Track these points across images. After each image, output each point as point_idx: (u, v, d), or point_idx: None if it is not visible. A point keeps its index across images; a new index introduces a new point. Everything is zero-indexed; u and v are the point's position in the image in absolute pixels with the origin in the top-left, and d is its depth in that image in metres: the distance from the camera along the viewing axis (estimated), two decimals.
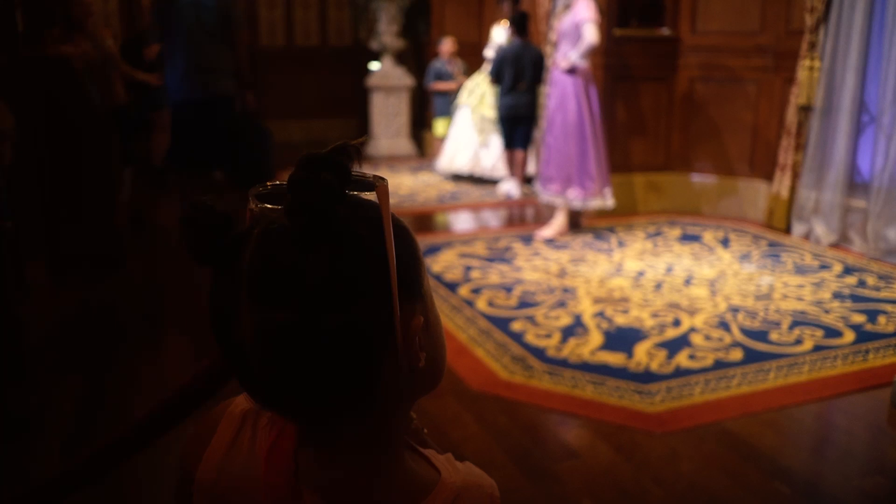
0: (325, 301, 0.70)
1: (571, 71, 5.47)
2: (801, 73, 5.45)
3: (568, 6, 5.57)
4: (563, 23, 5.55)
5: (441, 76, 8.26)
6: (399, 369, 0.75)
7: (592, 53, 5.52)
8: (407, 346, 0.75)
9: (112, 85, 5.57)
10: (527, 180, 7.34)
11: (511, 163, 7.20)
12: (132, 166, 6.26)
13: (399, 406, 0.80)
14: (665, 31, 6.25)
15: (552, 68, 5.72)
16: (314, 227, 0.70)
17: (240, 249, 0.73)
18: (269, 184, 0.77)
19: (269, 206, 0.76)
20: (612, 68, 6.16)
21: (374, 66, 9.37)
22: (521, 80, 6.84)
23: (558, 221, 5.67)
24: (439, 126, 8.21)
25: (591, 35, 5.32)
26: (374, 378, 0.74)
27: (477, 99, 7.78)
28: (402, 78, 9.05)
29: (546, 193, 5.68)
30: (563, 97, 5.53)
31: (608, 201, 5.65)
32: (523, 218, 6.52)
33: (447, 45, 8.30)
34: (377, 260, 0.72)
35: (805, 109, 5.50)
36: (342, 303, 0.70)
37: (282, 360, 0.71)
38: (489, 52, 7.64)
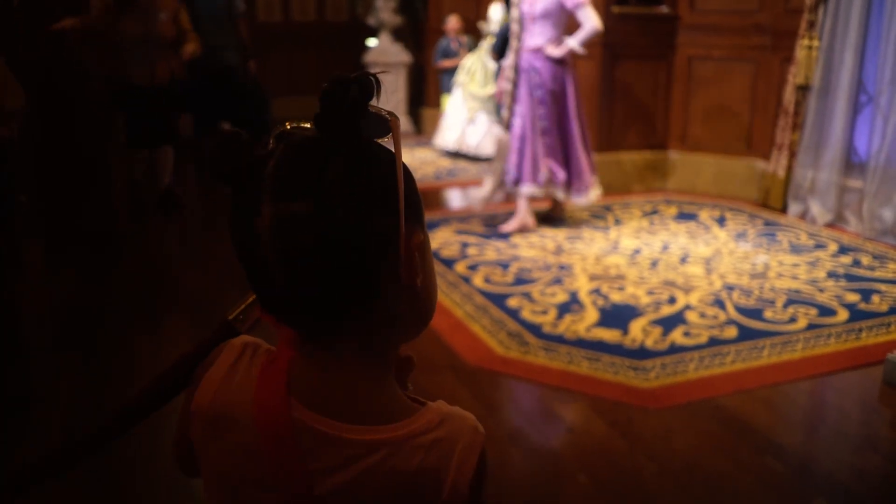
0: (339, 197, 0.77)
1: (561, 59, 5.02)
2: (800, 53, 5.44)
3: None
4: (543, 1, 4.99)
5: (448, 54, 8.27)
6: (399, 280, 0.82)
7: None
8: (408, 258, 0.82)
9: (153, 63, 5.20)
10: None
11: None
12: (172, 145, 5.80)
13: (393, 330, 0.87)
14: (664, 10, 6.22)
15: (524, 52, 5.06)
16: (338, 133, 0.79)
17: (263, 163, 0.80)
18: (289, 125, 0.85)
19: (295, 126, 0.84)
20: (611, 46, 6.14)
21: (372, 42, 9.33)
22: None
23: (522, 213, 5.19)
24: (447, 102, 8.20)
25: (593, 20, 4.93)
26: (376, 279, 0.81)
27: (468, 77, 7.79)
28: (399, 54, 9.01)
29: (532, 186, 5.08)
30: (554, 87, 5.03)
31: (596, 192, 5.28)
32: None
33: (452, 23, 8.29)
34: (389, 173, 0.81)
35: (803, 89, 5.50)
36: (355, 202, 0.78)
37: (294, 251, 0.78)
38: (487, 28, 7.64)
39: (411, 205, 0.83)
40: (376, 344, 0.86)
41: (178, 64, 5.41)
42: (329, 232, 0.77)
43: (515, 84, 5.14)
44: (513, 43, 5.12)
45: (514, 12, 5.12)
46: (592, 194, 5.26)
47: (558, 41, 5.00)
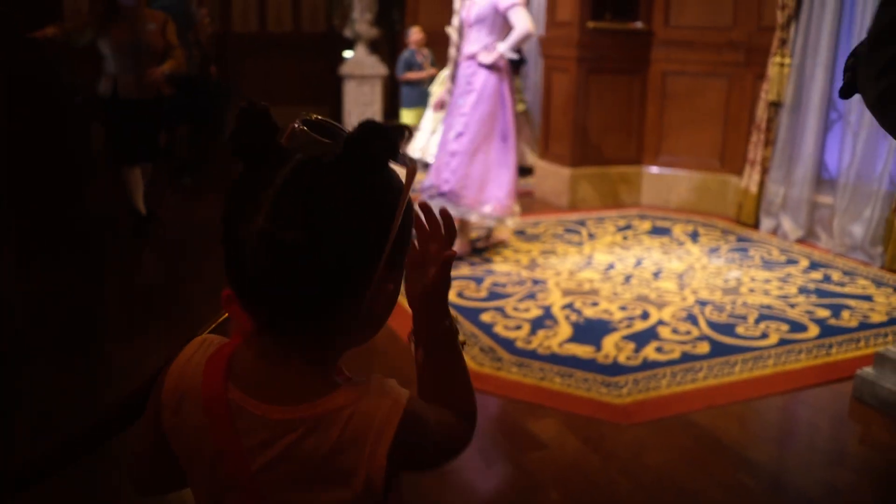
0: (333, 238, 0.83)
1: (493, 65, 4.70)
2: (772, 70, 5.49)
3: None
4: (478, 5, 4.69)
5: (411, 66, 8.24)
6: (358, 313, 0.89)
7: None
8: (374, 298, 0.89)
9: (139, 75, 5.06)
10: None
11: None
12: (155, 162, 5.63)
13: (341, 339, 0.94)
14: (639, 25, 6.27)
15: (461, 60, 4.78)
16: (351, 180, 0.84)
17: (279, 159, 0.86)
18: (315, 116, 0.92)
19: (314, 134, 0.90)
20: (586, 61, 6.17)
21: (348, 54, 9.32)
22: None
23: (464, 237, 4.92)
24: (406, 117, 8.18)
25: (524, 22, 4.59)
26: (340, 307, 0.87)
27: (439, 86, 7.82)
28: (375, 67, 9.00)
29: (458, 207, 4.66)
30: (484, 97, 4.71)
31: (516, 218, 4.93)
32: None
33: (415, 35, 8.29)
34: (382, 224, 0.86)
35: (775, 105, 5.56)
36: (346, 244, 0.84)
37: (273, 267, 0.83)
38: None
39: (397, 250, 0.89)
40: (321, 347, 0.92)
41: (164, 76, 5.29)
42: (311, 263, 0.83)
43: (452, 94, 4.89)
44: (451, 52, 4.91)
45: (455, 19, 4.88)
46: (515, 218, 4.91)
47: (493, 48, 4.71)
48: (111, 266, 4.80)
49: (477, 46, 4.71)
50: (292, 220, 0.82)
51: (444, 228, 1.02)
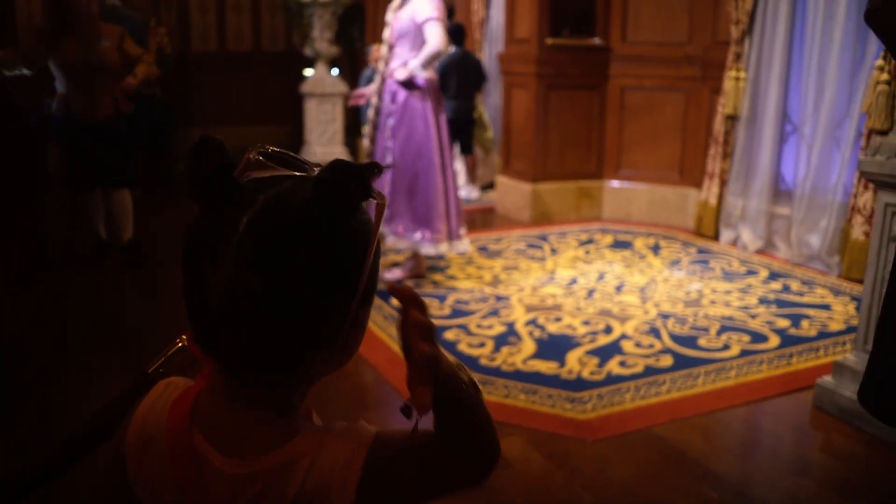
0: (303, 286, 0.79)
1: (410, 84, 4.51)
2: (728, 84, 5.58)
3: (405, 0, 4.57)
4: (401, 19, 4.55)
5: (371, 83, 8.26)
6: (332, 353, 0.86)
7: (432, 61, 4.56)
8: (346, 345, 0.87)
9: (94, 97, 4.79)
10: None
11: (465, 168, 7.50)
12: (130, 190, 5.22)
13: (306, 382, 0.90)
14: (596, 41, 6.34)
15: (387, 76, 4.61)
16: (323, 225, 0.79)
17: (239, 200, 0.80)
18: (270, 147, 0.87)
19: (274, 167, 0.86)
20: (545, 77, 6.22)
21: (309, 72, 9.30)
22: (466, 85, 7.06)
23: (410, 263, 4.80)
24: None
25: (435, 38, 4.41)
26: (310, 356, 0.84)
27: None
28: (336, 85, 8.99)
29: (390, 237, 4.56)
30: (405, 118, 4.53)
31: (464, 246, 4.68)
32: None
33: (376, 53, 8.30)
34: (357, 267, 0.82)
35: (731, 119, 5.64)
36: (316, 292, 0.80)
37: (239, 317, 0.79)
38: None
39: (368, 288, 0.86)
40: (289, 391, 0.89)
41: (123, 96, 5.00)
42: (282, 315, 0.79)
43: (378, 112, 4.64)
44: (379, 66, 4.67)
45: (385, 32, 4.67)
46: (459, 246, 4.66)
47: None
48: (69, 289, 4.71)
49: (398, 62, 4.55)
50: (260, 270, 0.78)
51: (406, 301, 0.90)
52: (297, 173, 0.87)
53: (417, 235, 4.53)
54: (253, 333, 0.80)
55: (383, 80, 4.59)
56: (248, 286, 0.77)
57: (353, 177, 0.78)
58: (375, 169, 0.79)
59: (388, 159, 4.49)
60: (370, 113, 4.62)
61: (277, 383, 0.87)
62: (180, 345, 1.11)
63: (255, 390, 0.87)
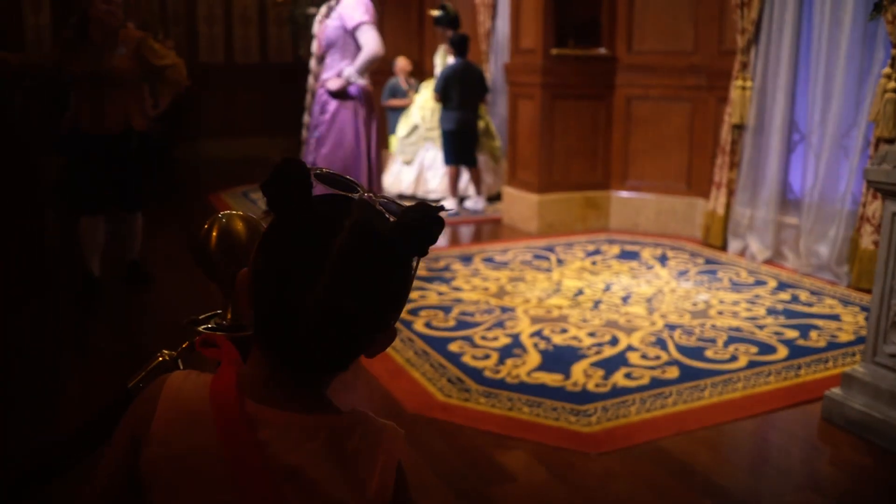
0: (386, 305, 0.93)
1: (343, 94, 4.40)
2: (734, 93, 5.54)
3: (332, 8, 4.46)
4: (328, 28, 4.44)
5: (396, 93, 8.31)
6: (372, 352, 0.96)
7: (371, 67, 4.46)
8: (386, 341, 0.96)
9: (104, 110, 4.44)
10: (460, 200, 7.45)
11: (472, 180, 7.45)
12: (139, 210, 4.86)
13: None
14: (602, 51, 6.31)
15: (318, 88, 4.49)
16: (406, 258, 0.92)
17: (323, 220, 0.90)
18: (324, 169, 0.97)
19: (370, 196, 0.94)
20: (550, 87, 6.20)
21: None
22: (468, 96, 7.06)
23: None
24: (395, 143, 8.21)
25: (371, 42, 4.31)
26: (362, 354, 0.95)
27: (418, 110, 7.93)
28: None
29: None
30: (334, 129, 4.40)
31: None
32: (459, 238, 6.50)
33: (401, 63, 8.38)
34: (409, 288, 0.95)
35: (738, 128, 5.60)
36: (392, 308, 0.94)
37: (331, 332, 0.88)
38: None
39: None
40: (331, 378, 0.99)
41: (139, 108, 4.64)
42: (361, 330, 0.91)
43: (308, 127, 4.55)
44: (309, 81, 4.53)
45: (313, 45, 4.56)
46: None
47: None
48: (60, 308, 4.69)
49: (330, 73, 4.40)
50: (351, 292, 0.88)
51: None
52: (353, 195, 0.96)
53: None
54: (336, 344, 0.90)
55: (313, 95, 4.49)
56: (342, 307, 0.87)
57: (435, 221, 0.90)
58: (441, 223, 0.91)
59: None
60: (304, 132, 4.57)
61: (333, 376, 0.98)
62: (160, 359, 1.11)
63: (309, 378, 0.96)
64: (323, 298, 0.86)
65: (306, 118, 4.48)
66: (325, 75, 4.44)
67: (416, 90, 8.25)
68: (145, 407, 0.96)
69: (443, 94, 7.11)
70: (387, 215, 0.93)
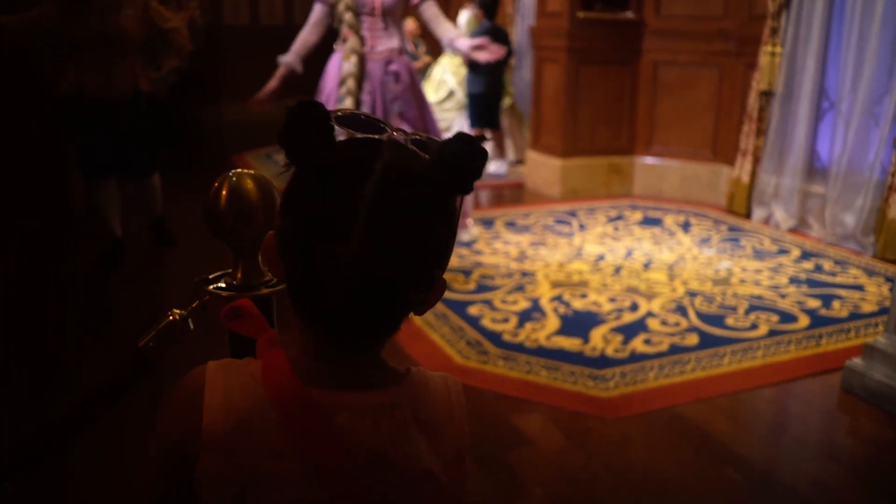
0: (427, 261, 0.82)
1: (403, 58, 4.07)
2: (763, 59, 5.45)
3: None
4: None
5: None
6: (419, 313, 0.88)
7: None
8: (433, 300, 0.87)
9: (111, 73, 4.27)
10: None
11: (494, 143, 7.47)
12: (151, 176, 4.80)
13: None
14: (629, 15, 6.22)
15: (383, 57, 4.00)
16: (445, 197, 0.82)
17: (351, 164, 0.80)
18: (343, 111, 0.86)
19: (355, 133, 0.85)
20: (576, 51, 6.13)
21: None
22: (497, 60, 6.99)
23: None
24: None
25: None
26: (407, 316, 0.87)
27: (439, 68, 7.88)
28: None
29: None
30: (416, 97, 4.12)
31: (473, 232, 4.62)
32: (480, 201, 6.48)
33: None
34: (454, 236, 0.86)
35: (766, 95, 5.52)
36: (434, 265, 0.83)
37: (370, 294, 0.79)
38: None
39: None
40: (384, 343, 0.91)
41: (146, 71, 4.50)
42: (403, 289, 0.81)
43: (359, 99, 3.96)
44: (351, 42, 3.92)
45: (340, 7, 4.00)
46: (465, 234, 4.70)
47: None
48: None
49: (389, 42, 4.00)
50: (390, 242, 0.78)
51: None
52: (381, 136, 0.86)
53: None
54: (377, 309, 0.81)
55: (363, 65, 3.91)
56: (381, 260, 0.77)
57: (480, 155, 0.81)
58: (484, 155, 0.82)
59: None
60: (347, 101, 3.92)
61: (383, 344, 0.90)
62: (171, 318, 1.09)
63: (365, 351, 0.89)
64: (358, 253, 0.76)
65: (351, 84, 3.89)
66: (382, 45, 3.96)
67: (426, 52, 8.20)
68: (187, 410, 0.87)
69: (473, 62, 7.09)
70: (421, 154, 0.83)
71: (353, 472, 0.84)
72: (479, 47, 3.97)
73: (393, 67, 3.96)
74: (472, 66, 7.05)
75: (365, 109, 3.50)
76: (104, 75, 4.27)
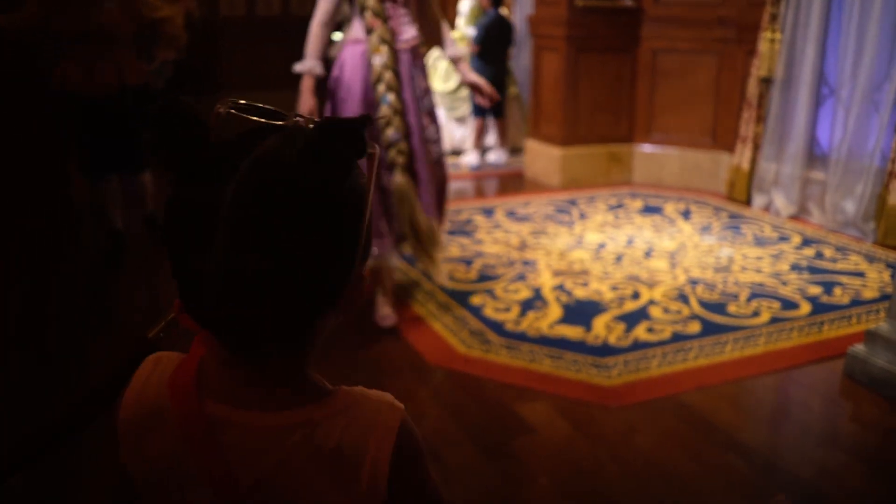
0: (304, 255, 0.73)
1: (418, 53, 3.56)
2: (763, 45, 5.44)
3: None
4: None
5: None
6: (338, 313, 0.83)
7: None
8: (351, 299, 0.81)
9: (92, 68, 4.09)
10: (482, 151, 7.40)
11: (496, 131, 7.41)
12: (143, 173, 4.71)
13: (319, 337, 0.86)
14: (628, 2, 6.20)
15: (407, 50, 3.46)
16: (318, 192, 0.72)
17: (222, 169, 0.74)
18: (241, 101, 0.81)
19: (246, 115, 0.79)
20: (575, 39, 6.11)
21: (337, 36, 9.24)
22: (502, 49, 7.04)
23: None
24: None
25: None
26: (320, 320, 0.81)
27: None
28: None
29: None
30: (430, 95, 3.60)
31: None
32: (481, 191, 6.48)
33: None
34: (356, 226, 0.77)
35: (766, 81, 5.50)
36: (318, 259, 0.74)
37: (239, 296, 0.73)
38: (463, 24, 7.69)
39: (368, 241, 0.82)
40: (299, 353, 0.85)
41: (134, 62, 4.27)
42: (282, 289, 0.74)
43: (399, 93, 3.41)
44: (378, 31, 3.37)
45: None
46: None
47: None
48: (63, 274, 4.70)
49: (411, 31, 3.51)
50: (256, 247, 0.71)
51: None
52: (278, 122, 0.80)
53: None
54: (255, 312, 0.74)
55: (393, 50, 3.38)
56: (246, 265, 0.71)
57: (346, 136, 0.72)
58: (367, 120, 0.73)
59: (433, 150, 3.57)
60: (391, 97, 3.35)
61: (287, 352, 0.83)
62: (173, 315, 1.07)
63: (266, 360, 0.83)
64: (221, 256, 0.71)
65: (389, 76, 3.37)
66: (407, 33, 3.46)
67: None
68: (120, 399, 0.89)
69: (482, 46, 7.07)
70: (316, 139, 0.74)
71: (239, 492, 0.81)
72: (476, 88, 3.65)
73: (419, 60, 3.54)
74: (479, 55, 7.02)
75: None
76: (86, 71, 4.10)
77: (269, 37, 10.70)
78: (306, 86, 3.51)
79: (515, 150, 7.58)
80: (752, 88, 5.57)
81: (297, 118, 0.81)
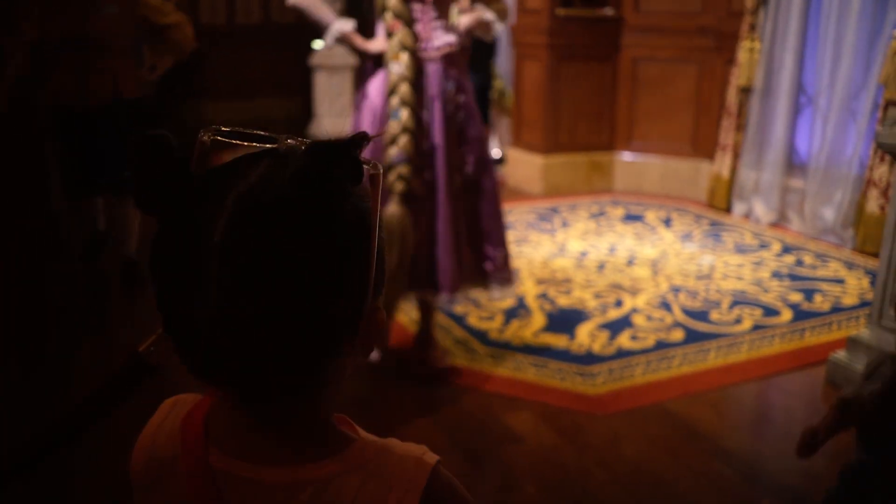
0: (303, 293, 0.67)
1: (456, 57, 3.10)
2: (742, 55, 5.49)
3: None
4: None
5: None
6: (353, 356, 0.76)
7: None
8: (367, 336, 0.74)
9: (87, 79, 3.86)
10: None
11: None
12: (107, 195, 4.27)
13: (336, 381, 0.78)
14: (608, 11, 6.25)
15: (435, 59, 3.00)
16: (311, 223, 0.66)
17: (207, 205, 0.68)
18: (223, 128, 0.74)
19: (237, 146, 0.73)
20: (556, 48, 6.15)
21: (318, 44, 9.23)
22: (487, 57, 7.05)
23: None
24: None
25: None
26: (331, 365, 0.74)
27: None
28: (345, 57, 8.92)
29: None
30: (474, 114, 3.12)
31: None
32: None
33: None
34: (362, 257, 0.70)
35: (745, 90, 5.56)
36: (319, 296, 0.68)
37: (239, 346, 0.68)
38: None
39: (378, 275, 0.74)
40: (314, 401, 0.78)
41: (130, 73, 4.02)
42: (283, 331, 0.68)
43: (419, 112, 2.93)
44: (400, 36, 2.91)
45: None
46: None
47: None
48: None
49: (445, 38, 3.03)
50: (249, 290, 0.65)
51: None
52: (266, 146, 0.73)
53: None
54: (256, 360, 0.69)
55: (418, 60, 2.92)
56: (240, 310, 0.66)
57: (337, 159, 0.66)
58: (363, 140, 0.67)
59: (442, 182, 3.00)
60: (403, 113, 2.87)
61: (297, 398, 0.76)
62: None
63: (275, 407, 0.77)
64: (214, 303, 0.66)
65: (405, 89, 2.88)
66: (440, 39, 3.00)
67: None
68: (136, 444, 0.85)
69: (470, 56, 7.08)
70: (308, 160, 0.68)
71: None
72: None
73: (454, 71, 3.03)
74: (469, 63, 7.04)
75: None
76: (80, 81, 3.85)
77: (248, 44, 10.68)
78: (356, 39, 3.10)
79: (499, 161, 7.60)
80: (732, 97, 5.62)
81: (288, 140, 0.73)
